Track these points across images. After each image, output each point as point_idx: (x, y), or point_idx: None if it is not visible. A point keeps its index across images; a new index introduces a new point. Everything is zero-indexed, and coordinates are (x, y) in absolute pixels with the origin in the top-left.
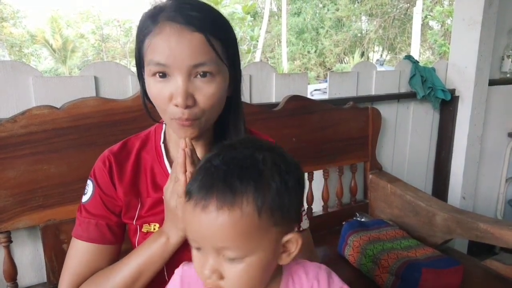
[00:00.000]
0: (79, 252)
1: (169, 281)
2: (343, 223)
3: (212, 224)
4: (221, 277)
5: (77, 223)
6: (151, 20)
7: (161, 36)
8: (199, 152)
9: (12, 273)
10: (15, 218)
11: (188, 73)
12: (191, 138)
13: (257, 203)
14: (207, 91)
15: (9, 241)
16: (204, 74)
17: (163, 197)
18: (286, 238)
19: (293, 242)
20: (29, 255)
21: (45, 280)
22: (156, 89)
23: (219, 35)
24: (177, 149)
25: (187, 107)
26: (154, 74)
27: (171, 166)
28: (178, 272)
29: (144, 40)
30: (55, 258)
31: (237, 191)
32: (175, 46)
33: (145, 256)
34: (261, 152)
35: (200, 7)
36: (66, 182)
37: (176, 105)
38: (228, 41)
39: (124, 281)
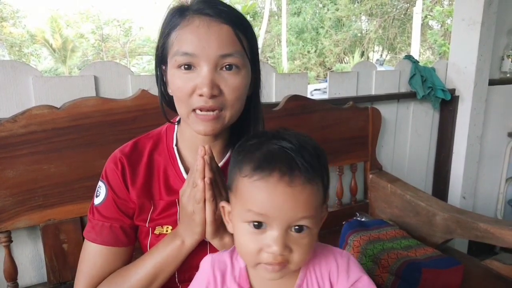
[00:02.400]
0: (93, 255)
1: (180, 285)
2: (343, 223)
3: (296, 197)
4: (291, 250)
5: (89, 225)
6: (179, 15)
7: (190, 27)
8: (215, 153)
9: (12, 273)
10: (15, 217)
11: (215, 63)
12: (210, 134)
13: (324, 181)
14: (232, 82)
15: (9, 240)
16: (230, 67)
17: (176, 200)
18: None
19: (324, 211)
20: (29, 255)
21: (45, 280)
22: (181, 81)
23: (245, 31)
24: (191, 152)
25: (212, 96)
26: (179, 66)
27: (185, 169)
28: (207, 259)
29: (170, 33)
30: (55, 258)
31: (314, 170)
32: (204, 37)
33: (160, 258)
34: (298, 135)
35: (226, 4)
36: (66, 182)
37: (201, 95)
38: (252, 39)
39: (140, 283)
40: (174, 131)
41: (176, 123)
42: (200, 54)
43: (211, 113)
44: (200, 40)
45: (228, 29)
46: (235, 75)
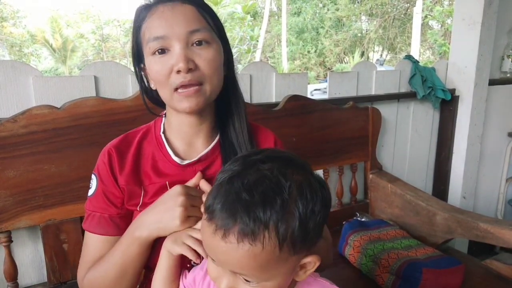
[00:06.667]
0: (89, 243)
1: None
2: (344, 223)
3: (231, 253)
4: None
5: (85, 215)
6: (144, 8)
7: (156, 14)
8: (202, 138)
9: (12, 273)
10: (16, 218)
11: (186, 40)
12: (195, 109)
13: (279, 237)
14: (206, 56)
15: (10, 241)
16: (200, 42)
17: (167, 183)
18: (305, 260)
19: (311, 263)
20: (30, 255)
21: (46, 280)
22: (158, 66)
23: (207, 9)
24: (179, 138)
25: (189, 70)
26: (154, 52)
27: (174, 152)
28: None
29: (140, 26)
30: (56, 258)
31: (260, 224)
32: (170, 18)
33: (122, 251)
34: (286, 175)
35: None
36: (66, 182)
37: (178, 71)
38: (216, 19)
39: (114, 273)
40: (161, 122)
41: (163, 116)
42: (170, 34)
43: (191, 87)
44: (167, 22)
45: (192, 8)
46: (207, 49)
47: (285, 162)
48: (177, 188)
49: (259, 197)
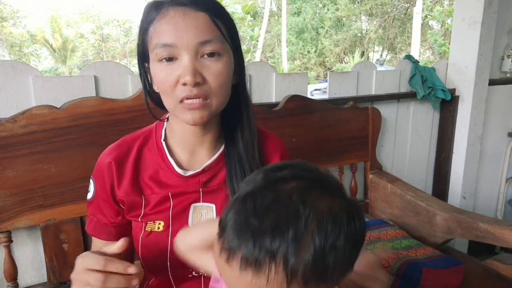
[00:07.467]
0: (93, 241)
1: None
2: None
3: (234, 281)
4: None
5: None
6: (154, 8)
7: (166, 19)
8: (206, 148)
9: (12, 273)
10: (15, 218)
11: (195, 51)
12: (199, 122)
13: (287, 272)
14: (215, 69)
15: (10, 240)
16: (211, 54)
17: (169, 194)
18: None
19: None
20: (30, 255)
21: (46, 280)
22: (163, 73)
23: (222, 16)
24: (181, 147)
25: (196, 84)
26: (160, 59)
27: (176, 162)
28: None
29: (148, 28)
30: (55, 258)
31: (266, 254)
32: (181, 26)
33: None
34: (306, 202)
35: None
36: (66, 182)
37: (185, 84)
38: (230, 25)
39: None
40: (163, 127)
41: (165, 120)
42: (179, 43)
43: (197, 100)
44: (177, 30)
45: (205, 16)
46: (216, 61)
47: (311, 183)
48: (74, 273)
49: (269, 225)
